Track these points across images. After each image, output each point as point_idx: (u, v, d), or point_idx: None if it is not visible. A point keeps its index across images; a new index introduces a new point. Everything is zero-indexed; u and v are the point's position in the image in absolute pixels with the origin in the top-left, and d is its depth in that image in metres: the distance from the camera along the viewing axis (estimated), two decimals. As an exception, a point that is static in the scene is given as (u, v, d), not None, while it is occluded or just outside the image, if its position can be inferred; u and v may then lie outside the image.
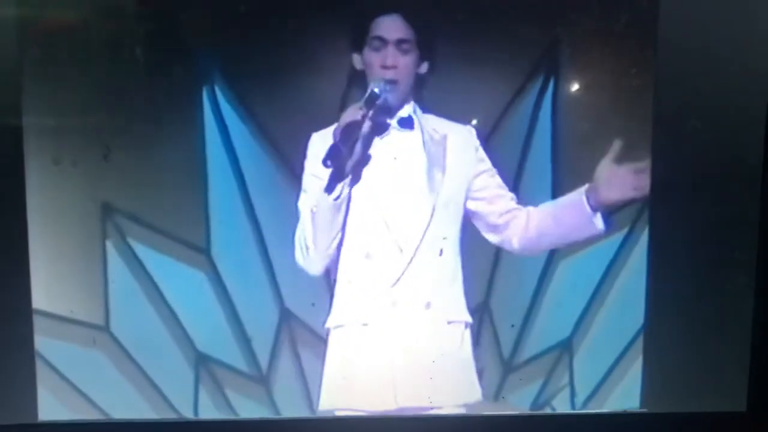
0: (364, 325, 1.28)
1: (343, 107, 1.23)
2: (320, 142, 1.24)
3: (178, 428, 1.29)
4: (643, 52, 1.22)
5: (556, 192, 1.27)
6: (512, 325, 1.29)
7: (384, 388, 1.29)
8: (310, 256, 1.25)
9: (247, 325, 1.28)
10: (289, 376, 1.30)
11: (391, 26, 1.22)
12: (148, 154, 1.23)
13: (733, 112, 1.20)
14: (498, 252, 1.29)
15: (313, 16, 1.21)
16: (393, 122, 1.26)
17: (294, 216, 1.25)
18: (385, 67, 1.23)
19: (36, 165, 1.22)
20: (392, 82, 1.23)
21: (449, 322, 1.29)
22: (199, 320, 1.28)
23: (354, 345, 1.28)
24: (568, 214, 1.26)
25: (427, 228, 1.27)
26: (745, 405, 1.25)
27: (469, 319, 1.29)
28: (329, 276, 1.27)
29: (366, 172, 1.25)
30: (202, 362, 1.28)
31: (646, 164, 1.24)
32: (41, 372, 1.26)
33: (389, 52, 1.22)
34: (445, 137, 1.27)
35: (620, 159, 1.24)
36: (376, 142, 1.26)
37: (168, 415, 1.29)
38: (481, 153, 1.27)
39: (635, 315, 1.28)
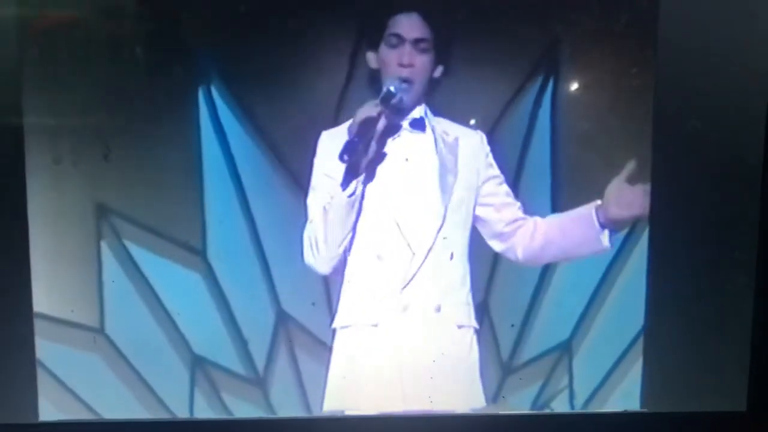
0: (374, 326, 1.27)
1: (352, 105, 1.23)
2: (331, 140, 1.23)
3: (179, 428, 1.28)
4: (644, 52, 1.21)
5: (568, 199, 1.27)
6: (512, 325, 1.29)
7: (391, 390, 1.28)
8: (320, 255, 1.25)
9: (244, 327, 1.27)
10: (286, 379, 1.29)
11: (410, 25, 1.22)
12: (144, 155, 1.22)
13: (734, 112, 1.20)
14: (498, 253, 1.29)
15: (323, 14, 1.20)
16: (405, 123, 1.26)
17: (290, 217, 1.25)
18: (401, 65, 1.22)
19: (34, 165, 1.21)
20: (407, 81, 1.22)
21: (459, 327, 1.29)
22: (195, 322, 1.27)
23: (363, 346, 1.28)
24: (576, 229, 1.27)
25: (439, 231, 1.26)
26: (745, 405, 1.25)
27: (477, 325, 1.29)
28: (337, 275, 1.27)
29: (379, 170, 1.25)
30: (198, 365, 1.28)
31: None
32: (38, 374, 1.25)
33: (406, 51, 1.22)
34: (456, 140, 1.26)
35: (633, 179, 1.25)
36: (389, 141, 1.25)
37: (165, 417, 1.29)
38: (491, 159, 1.26)
39: (635, 315, 1.27)
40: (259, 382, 1.29)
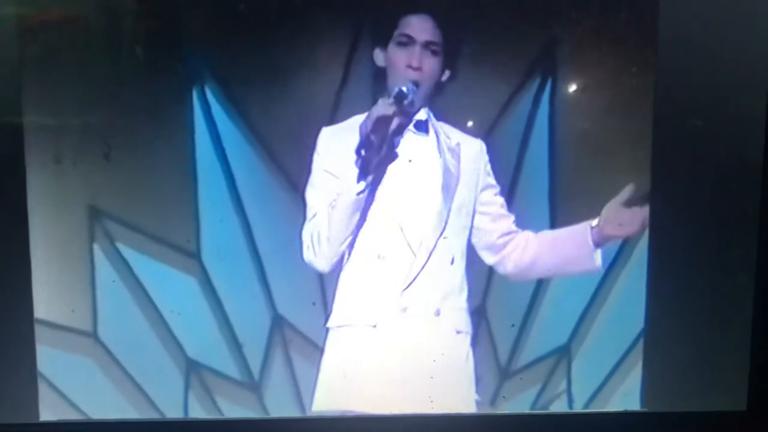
0: (373, 327, 1.27)
1: (355, 102, 1.22)
2: (333, 136, 1.23)
3: (180, 427, 1.27)
4: (644, 52, 1.20)
5: (564, 212, 1.26)
6: (512, 325, 1.28)
7: (389, 392, 1.28)
8: (322, 252, 1.24)
9: (239, 330, 1.26)
10: (282, 383, 1.28)
11: (421, 26, 1.21)
12: (138, 157, 1.21)
13: (734, 112, 1.20)
14: None
15: (325, 10, 1.19)
16: (410, 125, 1.25)
17: (287, 218, 1.23)
18: (410, 67, 1.21)
19: (32, 164, 1.20)
20: (415, 83, 1.21)
21: (458, 332, 1.28)
22: (189, 326, 1.26)
23: (361, 346, 1.27)
24: (569, 246, 1.26)
25: (441, 234, 1.26)
26: (746, 404, 1.25)
27: (472, 331, 1.29)
28: (334, 275, 1.26)
29: (386, 170, 1.24)
30: (192, 369, 1.27)
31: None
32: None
33: (416, 53, 1.21)
34: (458, 145, 1.25)
35: (631, 199, 1.25)
36: (398, 142, 1.24)
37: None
38: (489, 168, 1.26)
39: (635, 316, 1.27)
40: (254, 386, 1.28)
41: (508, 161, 1.26)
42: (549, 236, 1.27)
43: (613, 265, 1.27)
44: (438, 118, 1.25)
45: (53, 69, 1.18)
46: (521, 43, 1.21)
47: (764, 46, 1.18)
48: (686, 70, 1.19)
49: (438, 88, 1.23)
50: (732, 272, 1.24)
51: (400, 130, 1.23)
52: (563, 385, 1.30)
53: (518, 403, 1.31)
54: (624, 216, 1.25)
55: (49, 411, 1.26)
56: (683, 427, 1.27)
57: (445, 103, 1.24)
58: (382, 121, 1.20)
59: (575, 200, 1.26)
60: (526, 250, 1.27)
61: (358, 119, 1.23)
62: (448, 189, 1.26)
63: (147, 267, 1.24)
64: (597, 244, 1.26)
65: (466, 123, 1.25)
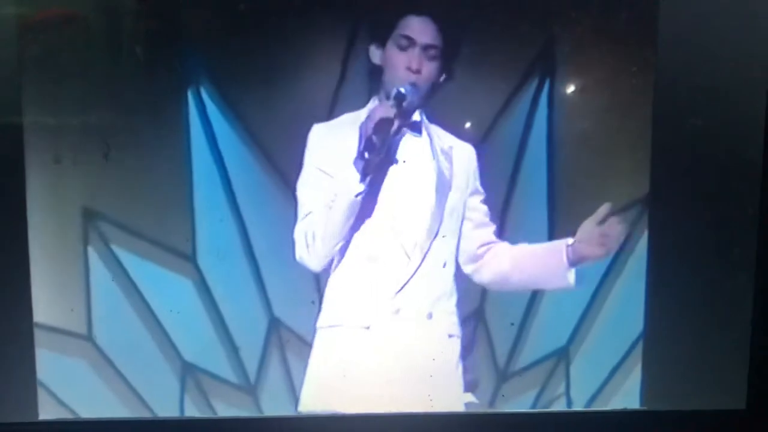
0: (366, 328, 1.26)
1: (348, 100, 1.22)
2: (325, 133, 1.22)
3: (179, 426, 1.27)
4: (644, 51, 1.20)
5: (553, 223, 1.26)
6: (512, 323, 1.28)
7: (378, 393, 1.27)
8: (316, 251, 1.23)
9: (235, 333, 1.26)
10: (279, 387, 1.28)
11: (422, 29, 1.20)
12: (134, 159, 1.20)
13: (734, 111, 1.20)
14: None
15: (320, 8, 1.18)
16: (406, 126, 1.24)
17: (283, 220, 1.23)
18: (409, 69, 1.21)
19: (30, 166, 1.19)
20: (414, 85, 1.21)
21: (450, 336, 1.28)
22: (185, 329, 1.25)
23: (352, 347, 1.26)
24: (545, 262, 1.26)
25: (435, 237, 1.25)
26: (745, 403, 1.25)
27: (461, 335, 1.29)
28: (327, 276, 1.25)
29: (384, 172, 1.23)
30: (188, 372, 1.26)
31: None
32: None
33: (416, 55, 1.20)
34: (451, 148, 1.25)
35: (606, 221, 1.24)
36: (395, 143, 1.23)
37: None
38: (477, 173, 1.26)
39: (635, 316, 1.27)
40: (250, 389, 1.27)
41: (506, 164, 1.25)
42: (526, 250, 1.27)
43: (613, 265, 1.27)
44: (431, 121, 1.25)
45: (53, 69, 1.17)
46: (521, 45, 1.21)
47: (764, 46, 1.18)
48: (686, 70, 1.19)
49: (434, 90, 1.23)
50: (731, 272, 1.24)
51: (398, 132, 1.23)
52: (562, 387, 1.30)
53: (517, 405, 1.31)
54: (599, 237, 1.25)
55: (47, 410, 1.25)
56: (683, 426, 1.27)
57: (439, 106, 1.24)
58: (384, 123, 1.19)
59: (575, 204, 1.25)
60: (502, 261, 1.27)
61: (350, 116, 1.22)
62: (442, 192, 1.25)
63: (143, 269, 1.23)
64: (572, 263, 1.25)
65: (459, 126, 1.24)
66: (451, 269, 1.27)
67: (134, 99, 1.18)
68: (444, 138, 1.25)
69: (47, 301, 1.22)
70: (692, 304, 1.25)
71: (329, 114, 1.22)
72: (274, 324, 1.26)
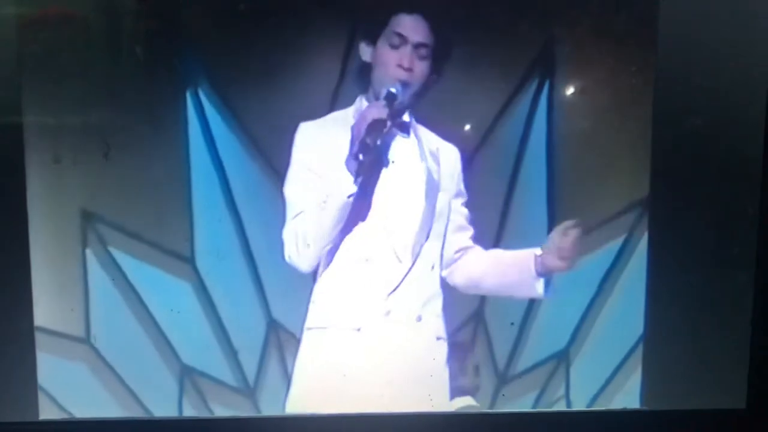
0: (357, 330, 1.25)
1: (338, 98, 1.21)
2: (313, 132, 1.21)
3: (179, 426, 1.26)
4: (644, 51, 1.20)
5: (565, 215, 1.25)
6: (511, 323, 1.28)
7: (366, 395, 1.26)
8: (307, 252, 1.22)
9: (234, 336, 1.25)
10: (277, 390, 1.27)
11: (414, 27, 1.20)
12: (135, 156, 1.20)
13: (734, 111, 1.19)
14: None
15: (317, 7, 1.18)
16: (396, 127, 1.23)
17: (281, 222, 1.22)
18: (401, 67, 1.20)
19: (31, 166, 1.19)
20: (405, 84, 1.20)
21: (438, 338, 1.27)
22: (183, 332, 1.25)
23: (343, 348, 1.25)
24: (514, 270, 1.26)
25: (426, 239, 1.25)
26: (745, 402, 1.25)
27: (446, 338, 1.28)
28: (315, 275, 1.24)
29: (376, 173, 1.22)
30: (187, 375, 1.26)
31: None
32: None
33: (407, 53, 1.20)
34: (438, 150, 1.25)
35: (571, 234, 1.24)
36: (384, 144, 1.22)
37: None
38: (461, 176, 1.25)
39: (635, 316, 1.26)
40: (249, 392, 1.27)
41: (494, 166, 1.25)
42: (498, 256, 1.26)
43: (614, 266, 1.27)
44: (418, 121, 1.24)
45: (53, 69, 1.16)
46: (517, 45, 1.21)
47: (764, 46, 1.17)
48: (686, 70, 1.18)
49: (424, 90, 1.22)
50: (731, 272, 1.23)
51: (389, 133, 1.22)
52: (562, 390, 1.30)
53: (516, 407, 1.31)
54: (559, 250, 1.24)
55: (47, 411, 1.25)
56: (683, 425, 1.26)
57: (428, 107, 1.23)
58: (378, 124, 1.18)
59: (575, 205, 1.25)
60: (475, 265, 1.27)
61: (338, 114, 1.22)
62: (431, 194, 1.25)
63: (141, 272, 1.22)
64: (540, 273, 1.25)
65: (447, 128, 1.24)
66: (438, 271, 1.27)
67: (134, 99, 1.18)
68: (431, 139, 1.24)
69: (46, 304, 1.22)
70: (692, 303, 1.25)
71: (319, 112, 1.21)
72: (273, 326, 1.25)
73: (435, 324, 1.27)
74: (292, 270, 1.23)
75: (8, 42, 1.14)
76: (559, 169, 1.24)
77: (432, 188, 1.24)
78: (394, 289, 1.24)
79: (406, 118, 1.24)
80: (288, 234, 1.22)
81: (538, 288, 1.25)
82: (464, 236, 1.26)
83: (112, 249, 1.22)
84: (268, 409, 1.28)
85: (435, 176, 1.25)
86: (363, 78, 1.22)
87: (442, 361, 1.27)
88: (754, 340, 1.23)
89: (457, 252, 1.27)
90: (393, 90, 1.18)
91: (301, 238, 1.21)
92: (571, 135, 1.23)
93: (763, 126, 1.19)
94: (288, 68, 1.19)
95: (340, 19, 1.19)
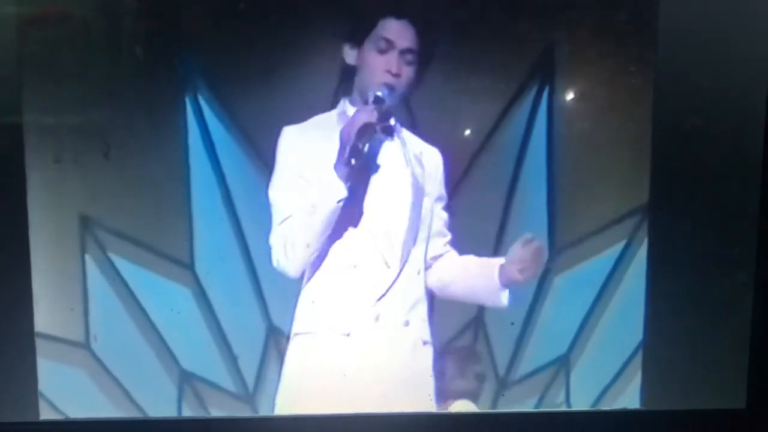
0: (346, 335, 1.24)
1: (323, 100, 1.21)
2: (297, 136, 1.21)
3: (179, 426, 1.27)
4: (644, 52, 1.19)
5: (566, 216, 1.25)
6: (512, 323, 1.28)
7: (357, 399, 1.25)
8: (296, 257, 1.21)
9: (233, 342, 1.25)
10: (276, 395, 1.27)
11: (401, 32, 1.19)
12: (132, 161, 1.19)
13: (733, 111, 1.19)
14: None
15: (308, 11, 1.17)
16: (382, 131, 1.23)
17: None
18: (389, 72, 1.19)
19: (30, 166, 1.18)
20: (391, 89, 1.19)
21: (424, 343, 1.27)
22: (183, 337, 1.25)
23: (333, 353, 1.24)
24: (481, 279, 1.26)
25: (414, 244, 1.24)
26: (745, 402, 1.25)
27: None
28: (302, 280, 1.24)
29: (365, 177, 1.22)
30: (186, 380, 1.26)
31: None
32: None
33: (395, 59, 1.19)
34: (421, 154, 1.24)
35: (531, 246, 1.24)
36: (371, 148, 1.22)
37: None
38: (443, 179, 1.25)
39: (636, 317, 1.26)
40: (248, 398, 1.27)
41: (507, 166, 1.24)
42: (467, 263, 1.26)
43: (616, 266, 1.27)
44: (402, 125, 1.24)
45: (53, 69, 1.16)
46: (513, 48, 1.20)
47: (764, 46, 1.17)
48: (686, 71, 1.18)
49: (410, 94, 1.22)
50: (731, 271, 1.23)
51: (378, 137, 1.22)
52: (562, 395, 1.31)
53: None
54: (523, 262, 1.24)
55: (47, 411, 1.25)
56: (683, 426, 1.26)
57: (413, 110, 1.23)
58: (368, 128, 1.17)
59: (576, 207, 1.25)
60: (447, 270, 1.26)
61: (320, 118, 1.21)
62: (417, 198, 1.24)
63: (140, 277, 1.23)
64: (504, 284, 1.25)
65: (429, 132, 1.23)
66: (423, 276, 1.26)
67: (133, 99, 1.18)
68: (415, 143, 1.24)
69: (46, 310, 1.22)
70: (692, 303, 1.24)
71: (302, 115, 1.21)
72: (272, 332, 1.25)
73: (421, 328, 1.26)
74: (293, 278, 1.23)
75: (8, 42, 1.14)
76: (559, 172, 1.24)
77: (417, 192, 1.24)
78: (383, 295, 1.24)
79: (391, 121, 1.23)
80: (276, 239, 1.22)
81: (503, 299, 1.25)
82: (442, 241, 1.26)
83: (111, 254, 1.22)
84: (264, 413, 1.28)
85: (420, 180, 1.24)
86: (346, 81, 1.21)
87: (429, 365, 1.27)
88: (754, 340, 1.23)
89: (434, 257, 1.26)
90: (380, 94, 1.18)
91: (289, 244, 1.21)
92: (571, 137, 1.23)
93: (763, 126, 1.18)
94: (278, 70, 1.19)
95: (335, 22, 1.19)
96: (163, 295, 1.23)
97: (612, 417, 1.29)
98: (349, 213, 1.21)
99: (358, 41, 1.20)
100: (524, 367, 1.29)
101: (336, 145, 1.19)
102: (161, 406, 1.26)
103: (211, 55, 1.18)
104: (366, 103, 1.19)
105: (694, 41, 1.17)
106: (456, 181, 1.24)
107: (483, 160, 1.24)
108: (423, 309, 1.26)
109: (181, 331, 1.24)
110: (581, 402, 1.30)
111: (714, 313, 1.25)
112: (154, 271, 1.22)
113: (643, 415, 1.28)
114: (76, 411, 1.25)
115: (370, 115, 1.17)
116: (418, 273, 1.26)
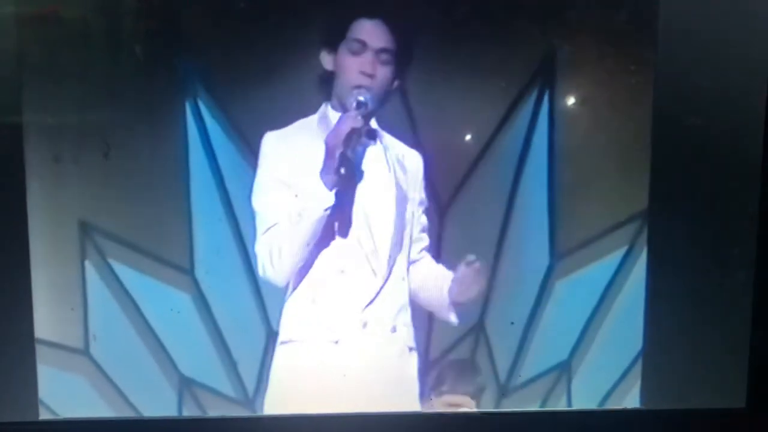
0: (335, 342, 1.23)
1: (306, 106, 1.20)
2: (279, 141, 1.20)
3: (178, 426, 1.26)
4: (643, 52, 1.19)
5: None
6: (512, 323, 1.27)
7: (346, 404, 1.24)
8: (282, 265, 1.20)
9: (233, 347, 1.25)
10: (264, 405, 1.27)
11: (375, 32, 1.18)
12: (131, 165, 1.19)
13: (733, 110, 1.19)
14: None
15: (288, 17, 1.17)
16: (366, 135, 1.22)
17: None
18: (363, 73, 1.18)
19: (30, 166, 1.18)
20: (369, 91, 1.18)
21: (410, 349, 1.26)
22: (183, 343, 1.24)
23: (321, 361, 1.24)
24: (435, 290, 1.25)
25: (400, 250, 1.24)
26: (745, 402, 1.25)
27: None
28: (287, 288, 1.23)
29: (351, 184, 1.21)
30: (186, 386, 1.25)
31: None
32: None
33: (369, 59, 1.18)
34: (404, 157, 1.23)
35: (473, 267, 1.23)
36: (360, 154, 1.22)
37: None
38: (423, 182, 1.23)
39: (637, 320, 1.26)
40: (248, 404, 1.26)
41: (508, 168, 1.23)
42: (432, 271, 1.25)
43: (618, 268, 1.27)
44: (382, 128, 1.23)
45: (53, 69, 1.16)
46: (503, 47, 1.19)
47: (764, 45, 1.17)
48: (686, 70, 1.18)
49: (388, 95, 1.20)
50: (731, 271, 1.23)
51: (362, 142, 1.21)
52: (563, 400, 1.30)
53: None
54: (464, 282, 1.23)
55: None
56: (683, 425, 1.26)
57: (392, 112, 1.21)
58: (354, 134, 1.16)
59: (577, 211, 1.24)
60: (417, 275, 1.26)
61: (301, 123, 1.20)
62: (401, 202, 1.23)
63: (140, 283, 1.22)
64: (451, 302, 1.24)
65: (409, 134, 1.22)
66: (407, 282, 1.25)
67: (133, 99, 1.17)
68: (396, 146, 1.23)
69: (45, 316, 1.21)
70: (693, 303, 1.24)
71: (284, 121, 1.20)
72: (273, 337, 1.24)
73: (407, 334, 1.25)
74: (266, 278, 1.22)
75: (8, 42, 1.14)
76: (559, 175, 1.23)
77: (401, 197, 1.23)
78: (371, 302, 1.23)
79: (373, 124, 1.22)
80: (261, 248, 1.21)
81: (452, 316, 1.25)
82: (419, 246, 1.25)
83: (111, 260, 1.21)
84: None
85: (403, 185, 1.23)
86: (325, 86, 1.20)
87: (415, 370, 1.26)
88: (754, 340, 1.23)
89: (411, 261, 1.26)
90: (362, 98, 1.17)
91: (276, 252, 1.20)
92: (571, 139, 1.23)
93: (763, 126, 1.18)
94: (277, 71, 1.18)
95: (310, 28, 1.18)
96: (163, 301, 1.22)
97: (612, 416, 1.29)
98: (336, 221, 1.20)
99: (333, 46, 1.18)
100: (525, 373, 1.29)
101: (318, 150, 1.18)
102: (161, 411, 1.25)
103: (211, 56, 1.18)
104: (347, 109, 1.18)
105: (694, 41, 1.17)
106: (456, 187, 1.24)
107: (482, 166, 1.23)
108: (407, 315, 1.25)
109: (180, 337, 1.23)
110: (583, 405, 1.31)
111: (714, 313, 1.25)
112: (153, 276, 1.22)
113: (643, 414, 1.28)
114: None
115: (355, 120, 1.16)
116: (403, 279, 1.25)
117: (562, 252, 1.25)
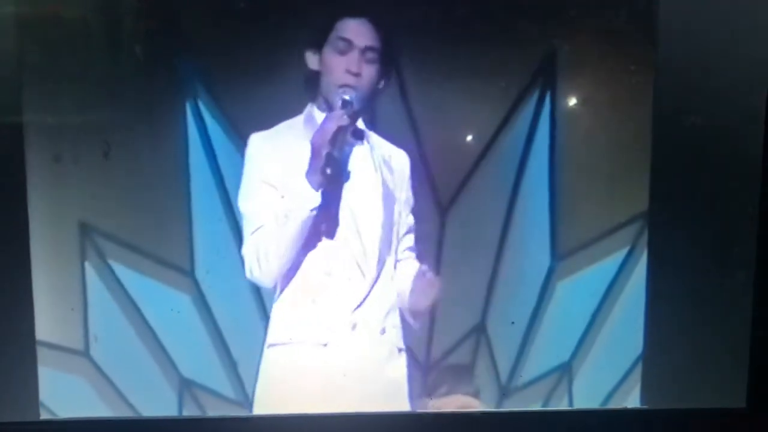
0: (324, 345, 1.23)
1: (291, 107, 1.20)
2: (264, 143, 1.19)
3: (178, 426, 1.26)
4: (643, 53, 1.19)
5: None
6: (512, 322, 1.27)
7: (338, 406, 1.24)
8: (269, 268, 1.19)
9: (233, 348, 1.25)
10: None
11: (360, 31, 1.17)
12: (131, 166, 1.19)
13: (733, 110, 1.19)
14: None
15: (283, 15, 1.17)
16: (353, 135, 1.21)
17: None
18: (349, 72, 1.18)
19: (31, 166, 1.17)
20: (355, 90, 1.17)
21: (399, 350, 1.26)
22: (183, 344, 1.24)
23: (309, 363, 1.23)
24: (404, 293, 1.25)
25: (388, 251, 1.23)
26: (745, 401, 1.25)
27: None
28: (275, 290, 1.22)
29: (338, 185, 1.20)
30: (186, 388, 1.25)
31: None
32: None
33: (355, 58, 1.18)
34: (390, 157, 1.23)
35: (426, 278, 1.23)
36: (347, 154, 1.21)
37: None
38: (410, 181, 1.23)
39: (637, 321, 1.26)
40: (248, 405, 1.26)
41: (509, 169, 1.23)
42: (408, 272, 1.25)
43: (620, 269, 1.27)
44: (369, 128, 1.22)
45: (53, 69, 1.16)
46: (500, 47, 1.19)
47: (764, 46, 1.17)
48: (686, 70, 1.18)
49: (375, 94, 1.20)
50: (731, 271, 1.23)
51: (348, 142, 1.20)
52: (565, 401, 1.30)
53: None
54: (416, 292, 1.23)
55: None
56: (683, 425, 1.26)
57: (379, 114, 1.21)
58: (340, 134, 1.16)
59: (578, 212, 1.24)
60: (399, 275, 1.25)
61: (287, 124, 1.20)
62: (388, 202, 1.23)
63: (140, 284, 1.22)
64: (409, 307, 1.24)
65: (396, 133, 1.21)
66: (393, 281, 1.25)
67: (133, 99, 1.17)
68: (383, 145, 1.22)
69: (45, 318, 1.21)
70: (693, 303, 1.24)
71: (270, 122, 1.19)
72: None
73: (396, 335, 1.25)
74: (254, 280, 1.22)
75: (8, 42, 1.14)
76: (560, 176, 1.23)
77: (388, 198, 1.23)
78: (360, 304, 1.22)
79: (360, 125, 1.21)
80: (248, 250, 1.20)
81: (413, 322, 1.25)
82: (403, 245, 1.25)
83: (111, 261, 1.21)
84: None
85: (390, 185, 1.23)
86: (310, 86, 1.20)
87: (404, 371, 1.26)
88: (755, 340, 1.23)
89: (397, 263, 1.25)
90: (347, 97, 1.16)
91: (263, 254, 1.19)
92: (571, 140, 1.23)
93: (763, 126, 1.18)
94: (277, 71, 1.18)
95: (294, 27, 1.17)
96: (163, 302, 1.22)
97: (612, 415, 1.29)
98: (323, 221, 1.20)
99: (317, 46, 1.18)
100: (527, 373, 1.29)
101: (304, 151, 1.17)
102: (161, 412, 1.25)
103: (211, 55, 1.17)
104: (333, 108, 1.17)
105: (694, 41, 1.17)
106: (456, 188, 1.23)
107: (483, 166, 1.23)
108: (396, 316, 1.25)
109: (180, 338, 1.23)
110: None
111: (714, 313, 1.25)
112: (153, 277, 1.21)
113: (644, 414, 1.28)
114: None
115: (340, 119, 1.15)
116: (391, 279, 1.24)
117: (563, 253, 1.25)
